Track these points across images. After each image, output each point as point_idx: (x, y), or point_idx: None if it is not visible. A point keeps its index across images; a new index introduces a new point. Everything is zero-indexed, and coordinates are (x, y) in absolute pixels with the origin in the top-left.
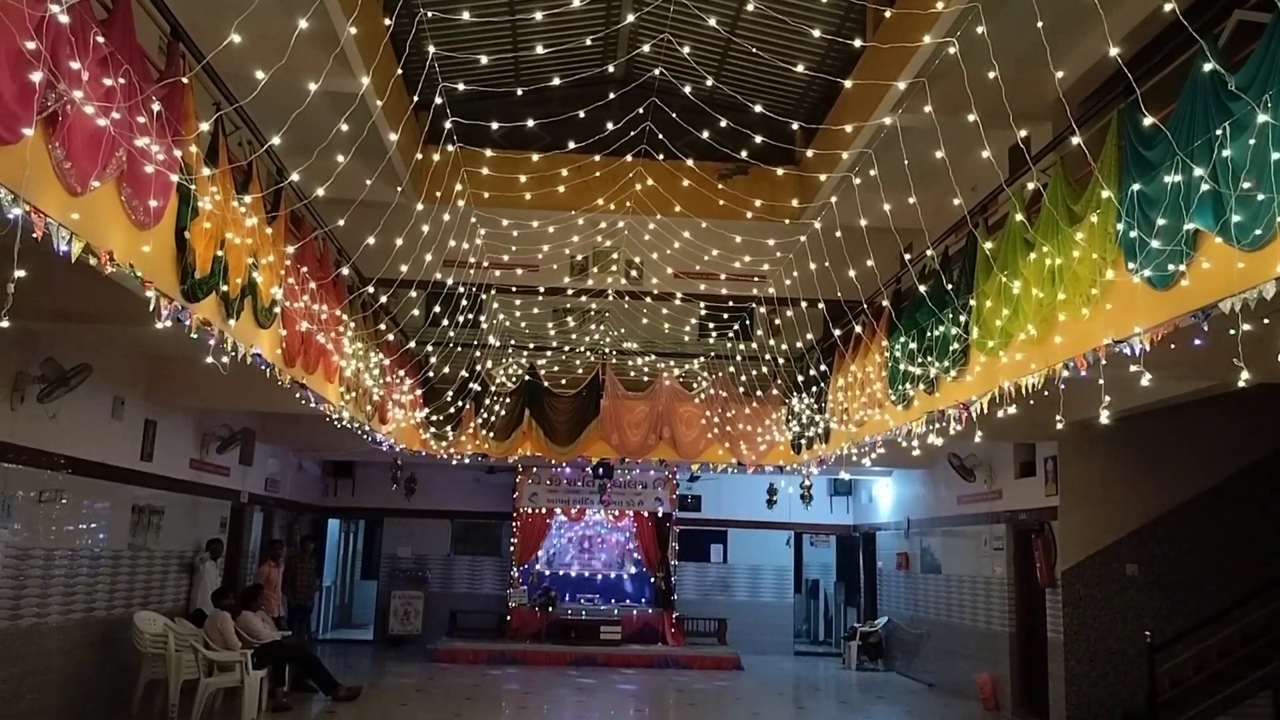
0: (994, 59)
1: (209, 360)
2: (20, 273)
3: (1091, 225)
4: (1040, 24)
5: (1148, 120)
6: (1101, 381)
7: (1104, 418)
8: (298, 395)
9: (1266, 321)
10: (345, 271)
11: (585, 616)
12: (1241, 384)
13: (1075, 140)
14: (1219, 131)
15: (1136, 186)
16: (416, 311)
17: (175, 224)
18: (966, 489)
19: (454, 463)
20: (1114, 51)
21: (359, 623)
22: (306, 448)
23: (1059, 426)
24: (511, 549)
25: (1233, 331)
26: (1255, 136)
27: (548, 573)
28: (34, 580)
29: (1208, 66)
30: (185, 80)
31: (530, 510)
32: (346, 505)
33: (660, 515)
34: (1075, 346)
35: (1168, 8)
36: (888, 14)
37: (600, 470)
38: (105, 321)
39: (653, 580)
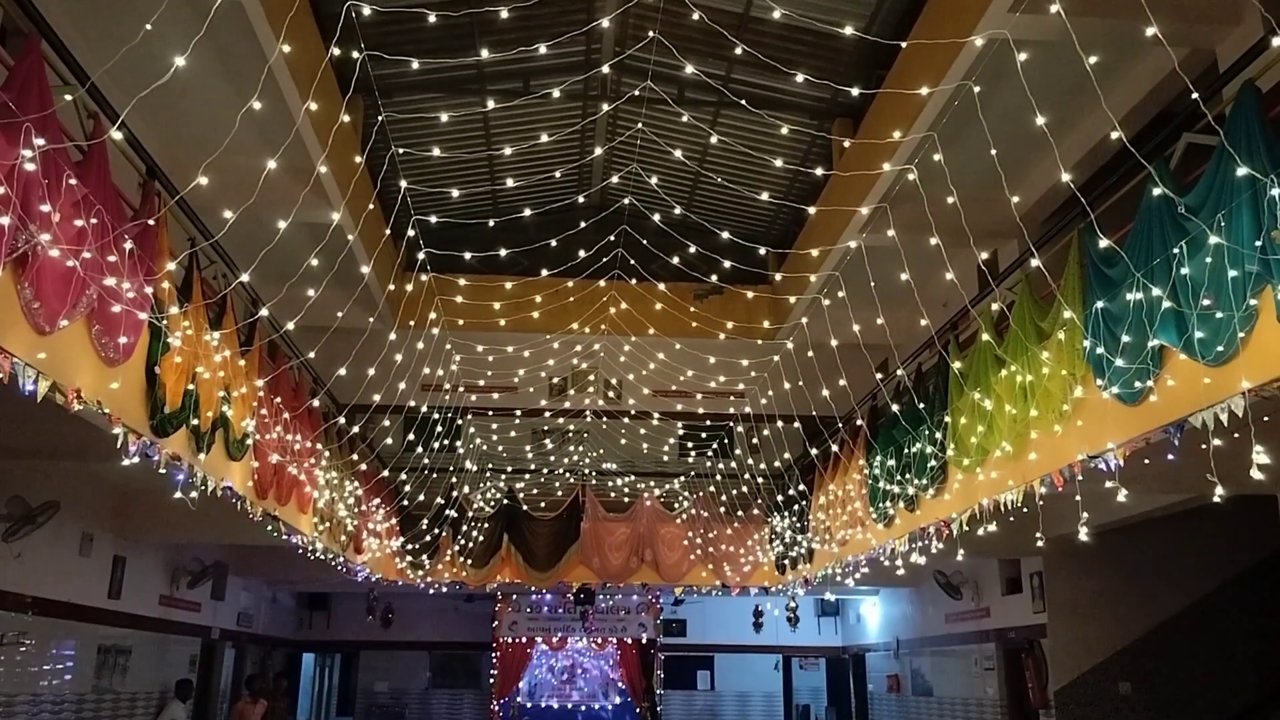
0: (951, 184)
1: (178, 495)
2: None
3: (1059, 342)
4: (994, 151)
5: (1104, 242)
6: (1079, 497)
7: (1083, 534)
8: (270, 528)
9: (1237, 436)
10: (318, 401)
11: None
12: (1217, 499)
13: (1034, 262)
14: (1176, 250)
15: (1100, 304)
16: (391, 440)
17: (146, 360)
18: (954, 607)
19: (431, 592)
20: (1066, 178)
21: None
22: (281, 580)
23: (1039, 544)
24: (492, 681)
25: (1205, 446)
26: (1211, 255)
27: (529, 705)
28: None
29: (1159, 190)
30: (154, 221)
31: (510, 640)
32: (322, 638)
33: (644, 641)
34: (1050, 463)
35: (1115, 135)
36: (847, 144)
37: (582, 596)
38: (73, 458)
39: (638, 710)
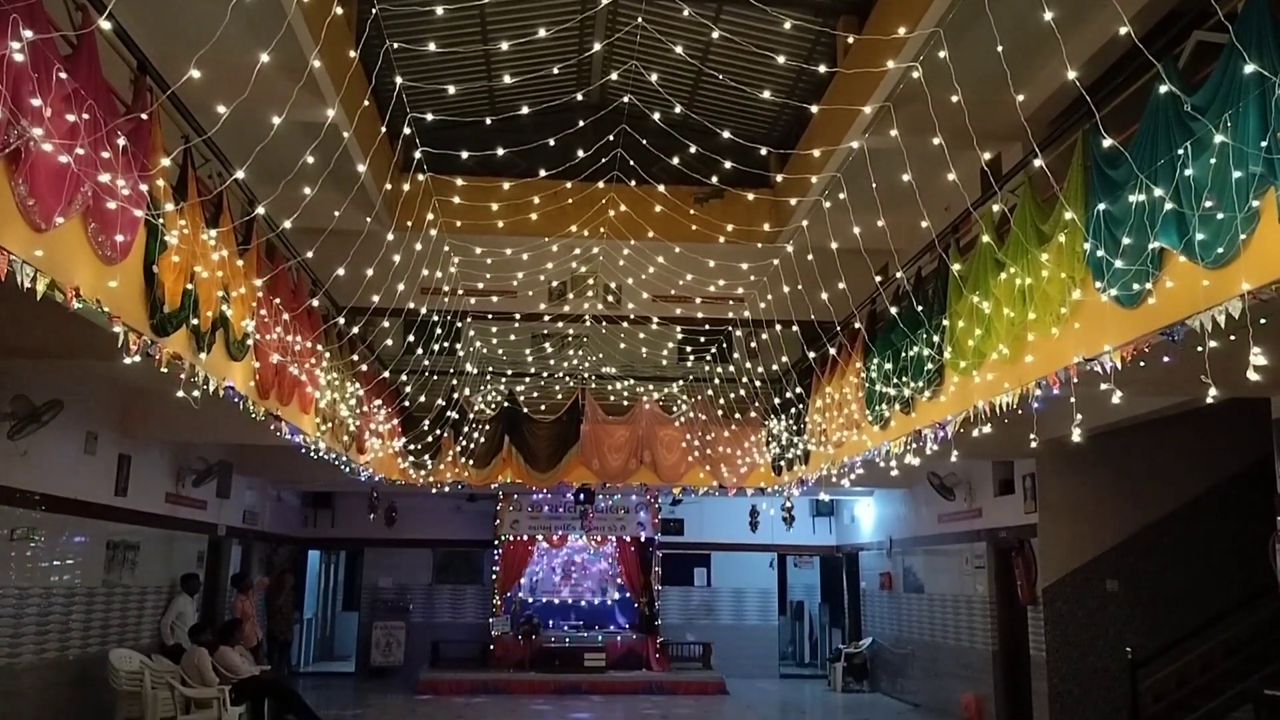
0: (957, 83)
1: (180, 394)
2: None
3: (1059, 245)
4: (1000, 49)
5: (1108, 142)
6: (1074, 399)
7: (1076, 435)
8: (273, 427)
9: (1233, 338)
10: (317, 302)
11: (568, 644)
12: (1210, 400)
13: (1037, 162)
14: (1180, 151)
15: (1102, 206)
16: (392, 341)
17: (144, 258)
18: (947, 508)
19: (434, 491)
20: (1073, 75)
21: (340, 655)
22: (285, 479)
23: (1034, 445)
24: (493, 577)
25: (1200, 349)
26: (1215, 156)
27: (530, 600)
28: (6, 620)
29: (1166, 89)
30: (146, 117)
31: (511, 538)
32: (326, 536)
33: (643, 540)
34: (1047, 365)
35: (1124, 31)
36: (851, 40)
37: (581, 496)
38: (75, 357)
39: (636, 606)
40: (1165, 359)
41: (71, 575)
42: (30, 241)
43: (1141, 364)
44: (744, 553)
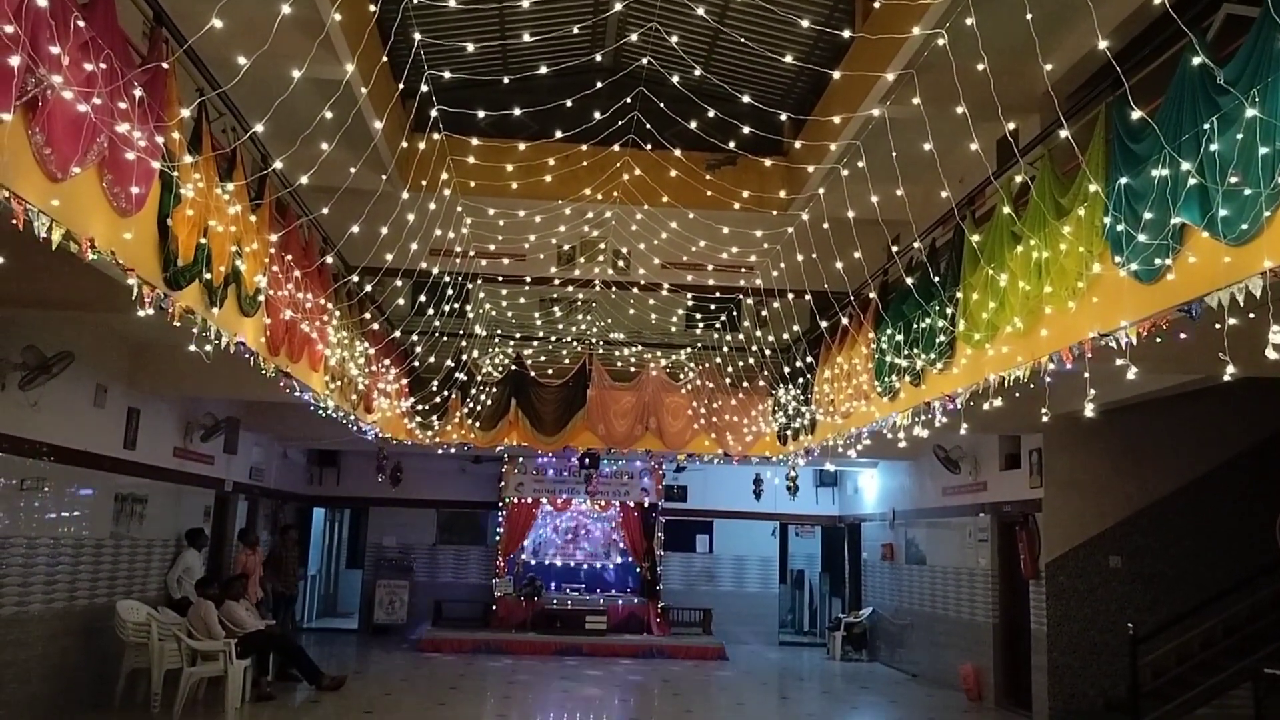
0: (983, 51)
1: (192, 349)
2: None
3: (1079, 219)
4: (1029, 16)
5: (1136, 114)
6: (1087, 375)
7: (1089, 411)
8: (282, 384)
9: (1253, 316)
10: (330, 260)
11: (570, 606)
12: (1227, 378)
13: (1063, 133)
14: (1207, 126)
15: (1124, 180)
16: (402, 301)
17: (158, 211)
18: (951, 481)
19: (440, 452)
20: (1103, 44)
21: (344, 612)
22: (291, 436)
23: (1044, 419)
24: (497, 539)
25: (1218, 326)
26: (1242, 131)
27: (533, 563)
28: (15, 569)
29: (1196, 60)
30: (167, 66)
31: (516, 500)
32: (332, 494)
33: (646, 505)
34: (1061, 340)
35: (1156, 0)
36: (876, 4)
37: (586, 460)
38: (87, 309)
39: (638, 570)
40: (1182, 336)
41: (79, 527)
42: (46, 191)
43: (1158, 340)
44: (746, 521)
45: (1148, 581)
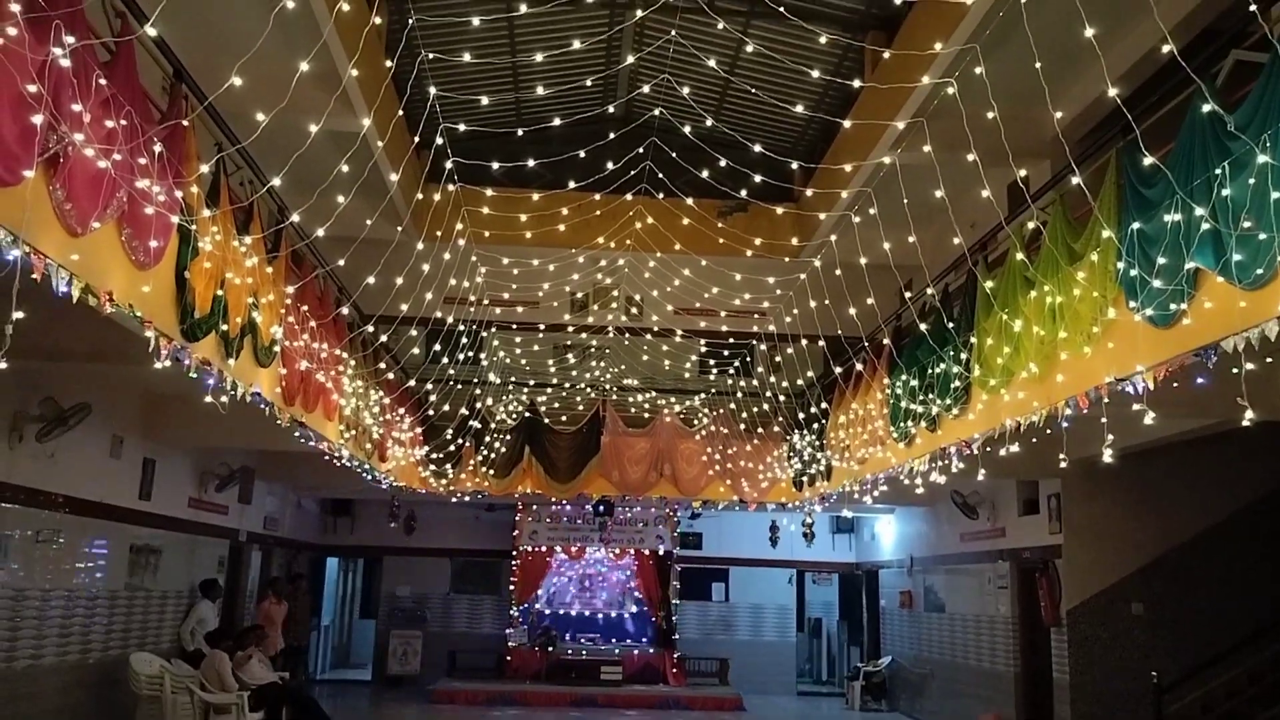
0: (992, 99)
1: (208, 399)
2: (19, 314)
3: (1092, 263)
4: (1039, 64)
5: (1147, 159)
6: (1104, 420)
7: (1107, 456)
8: (297, 434)
9: (1270, 360)
10: (345, 310)
11: (585, 656)
12: (1246, 423)
13: (1074, 179)
14: (1218, 170)
15: (1136, 225)
16: (416, 349)
17: (176, 264)
18: (969, 526)
19: (453, 500)
20: (1112, 91)
21: (357, 663)
22: (306, 486)
23: (1062, 464)
24: (511, 588)
25: (1236, 370)
26: (1254, 176)
27: (548, 612)
28: (29, 621)
29: (1206, 106)
30: (187, 123)
31: (530, 548)
32: (345, 543)
33: (661, 553)
34: (1077, 385)
35: (1165, 48)
36: (886, 55)
37: (601, 507)
38: (105, 361)
39: (654, 619)
40: (1199, 380)
41: (94, 578)
42: (66, 245)
43: (1174, 385)
44: (763, 568)
45: (1171, 629)
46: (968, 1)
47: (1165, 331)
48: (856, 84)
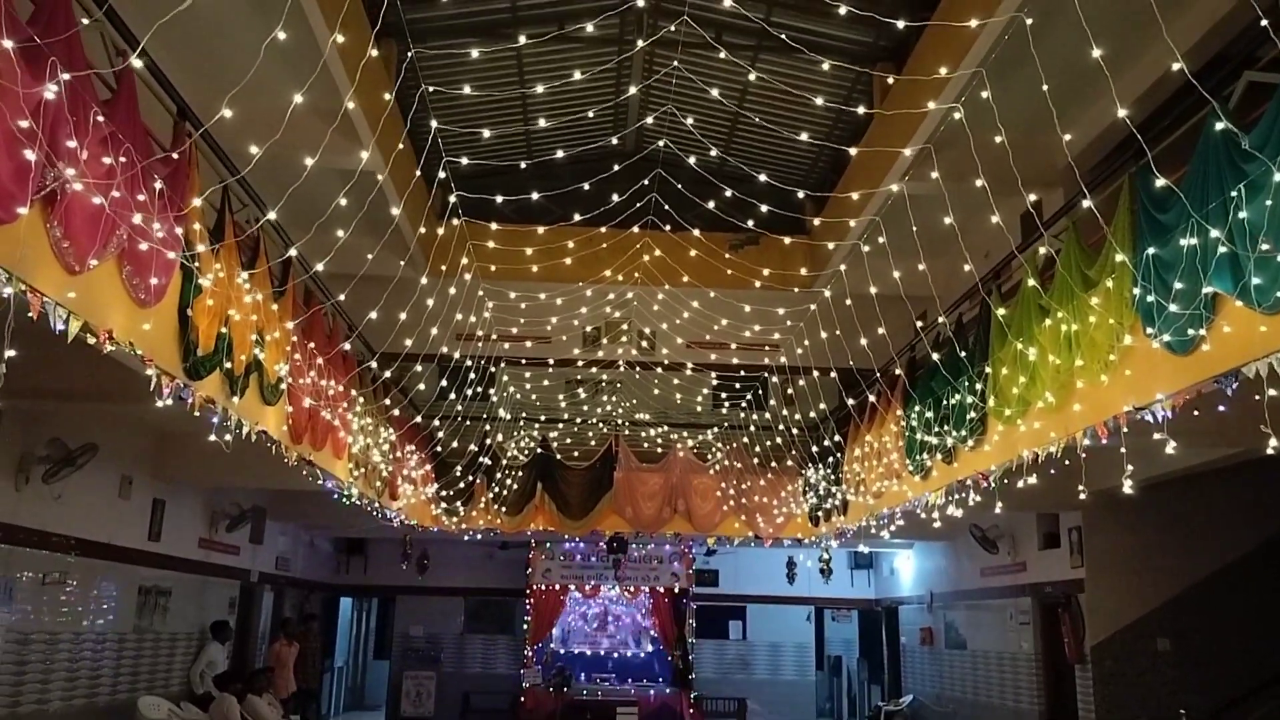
0: (1000, 124)
1: (212, 438)
2: (11, 352)
3: (1107, 290)
4: (1046, 88)
5: (1161, 182)
6: (1124, 450)
7: (1127, 487)
8: (305, 472)
9: None
10: (348, 346)
11: (601, 697)
12: (1270, 451)
13: (1086, 204)
14: (1234, 193)
15: (1151, 250)
16: (424, 387)
17: (178, 301)
18: (989, 561)
19: (465, 538)
20: (1123, 113)
21: (371, 704)
22: (318, 525)
23: (1082, 496)
24: (525, 627)
25: (1258, 397)
26: (1271, 197)
27: (562, 651)
28: (36, 665)
29: (1220, 127)
30: (184, 158)
31: (544, 586)
32: (359, 583)
33: (676, 591)
34: (1095, 414)
35: (1176, 67)
36: (892, 81)
37: (614, 544)
38: (109, 400)
39: (670, 658)
40: (1220, 408)
41: (102, 620)
42: (64, 283)
43: (1195, 413)
44: (780, 605)
45: (1198, 664)
46: (973, 24)
47: (1184, 358)
48: (863, 111)
